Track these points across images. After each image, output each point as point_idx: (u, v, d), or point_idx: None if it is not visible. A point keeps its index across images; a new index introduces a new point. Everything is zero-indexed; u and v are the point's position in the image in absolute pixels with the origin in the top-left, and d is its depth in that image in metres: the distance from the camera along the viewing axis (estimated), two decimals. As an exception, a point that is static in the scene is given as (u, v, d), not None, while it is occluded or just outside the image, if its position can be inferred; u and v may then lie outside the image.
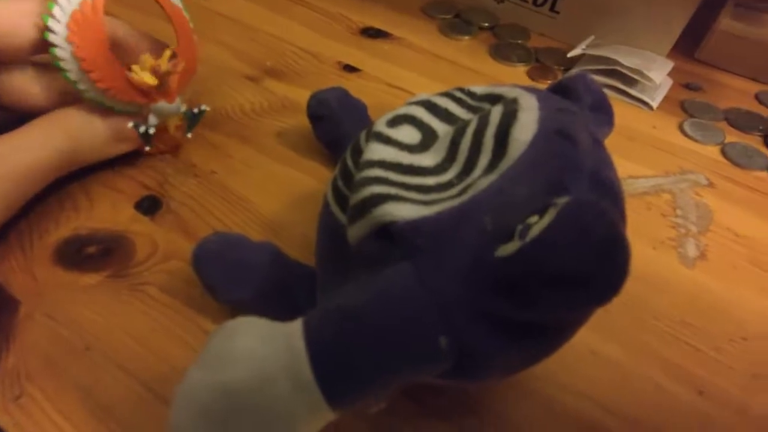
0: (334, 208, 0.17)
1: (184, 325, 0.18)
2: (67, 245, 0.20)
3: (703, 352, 0.19)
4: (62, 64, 0.19)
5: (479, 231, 0.12)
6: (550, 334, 0.12)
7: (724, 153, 0.29)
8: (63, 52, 0.19)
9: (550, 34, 0.37)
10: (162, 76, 0.21)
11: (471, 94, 0.18)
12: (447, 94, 0.18)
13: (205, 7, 0.36)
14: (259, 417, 0.11)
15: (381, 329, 0.11)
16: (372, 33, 0.36)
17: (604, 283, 0.10)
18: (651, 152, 0.28)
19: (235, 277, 0.17)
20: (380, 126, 0.16)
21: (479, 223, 0.12)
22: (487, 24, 0.37)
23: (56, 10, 0.19)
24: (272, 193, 0.24)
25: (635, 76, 0.31)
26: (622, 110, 0.31)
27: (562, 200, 0.11)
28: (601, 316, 0.19)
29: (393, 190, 0.13)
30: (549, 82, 0.33)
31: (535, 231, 0.10)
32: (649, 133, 0.30)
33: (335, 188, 0.17)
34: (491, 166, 0.13)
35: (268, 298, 0.17)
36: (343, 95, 0.24)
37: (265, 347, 0.12)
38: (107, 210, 0.22)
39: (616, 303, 0.20)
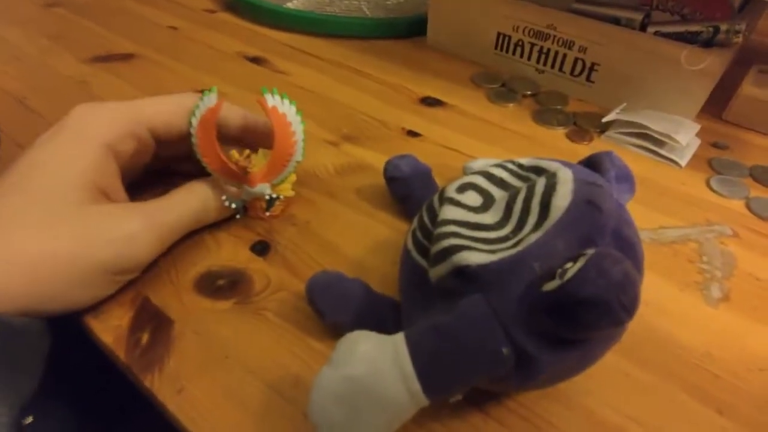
0: (415, 255, 0.22)
1: (295, 342, 0.24)
2: (203, 278, 0.26)
3: (723, 378, 0.23)
4: (195, 149, 0.27)
5: (530, 272, 0.17)
6: (583, 350, 0.17)
7: (748, 206, 0.32)
8: (194, 140, 0.27)
9: (586, 100, 0.42)
10: (242, 169, 0.27)
11: (520, 166, 0.23)
12: (500, 165, 0.23)
13: (288, 81, 0.44)
14: (375, 400, 0.16)
15: (461, 341, 0.16)
16: (429, 102, 0.42)
17: (619, 309, 0.15)
18: (679, 205, 0.32)
19: (339, 305, 0.22)
20: (451, 192, 0.22)
21: (530, 267, 0.17)
22: (529, 92, 0.43)
23: (196, 112, 0.27)
24: (355, 240, 0.29)
25: (664, 139, 0.35)
26: (653, 167, 0.35)
27: (590, 251, 0.16)
28: (632, 344, 0.23)
29: (465, 242, 0.18)
30: (585, 142, 0.38)
31: (570, 273, 0.15)
32: (677, 188, 0.34)
33: (415, 239, 0.22)
34: (537, 225, 0.18)
35: (363, 323, 0.22)
36: (413, 161, 0.30)
37: (378, 350, 0.17)
38: (230, 251, 0.28)
39: (647, 334, 0.24)
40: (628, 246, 0.18)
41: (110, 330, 0.24)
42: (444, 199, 0.21)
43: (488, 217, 0.20)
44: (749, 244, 0.30)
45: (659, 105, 0.39)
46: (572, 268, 0.15)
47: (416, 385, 0.16)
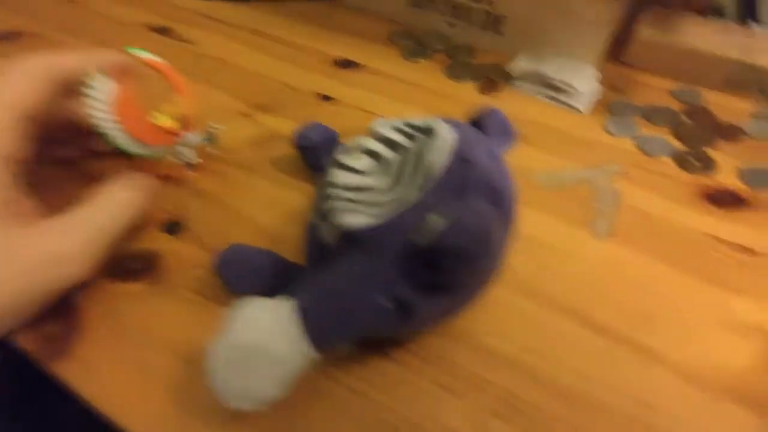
0: (315, 221, 0.23)
1: (211, 315, 0.24)
2: (114, 263, 0.26)
3: (604, 301, 0.25)
4: (110, 135, 0.24)
5: (408, 229, 0.18)
6: (456, 292, 0.19)
7: (637, 145, 0.35)
8: (108, 123, 0.24)
9: (496, 51, 0.43)
10: (182, 118, 0.27)
11: (412, 126, 0.24)
12: (395, 127, 0.24)
13: (197, 53, 0.42)
14: (266, 362, 0.17)
15: (345, 298, 0.18)
16: (343, 63, 0.42)
17: (472, 255, 0.16)
18: (577, 149, 0.34)
19: (249, 278, 0.23)
20: (341, 156, 0.22)
21: (408, 225, 0.18)
22: (441, 47, 0.43)
23: (92, 102, 0.24)
24: (271, 211, 0.30)
25: (564, 87, 0.37)
26: (555, 115, 0.37)
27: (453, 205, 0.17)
28: (527, 281, 0.25)
29: (351, 206, 0.19)
30: (495, 94, 0.39)
31: (432, 224, 0.17)
32: (578, 133, 0.36)
33: (315, 205, 0.23)
34: (419, 186, 0.19)
35: (272, 292, 0.23)
36: (320, 129, 0.30)
37: (266, 314, 0.18)
38: (143, 233, 0.28)
39: (540, 271, 0.27)
40: (498, 195, 0.20)
41: (20, 324, 0.24)
42: (334, 164, 0.22)
43: (378, 180, 0.21)
44: (637, 180, 0.32)
45: (563, 52, 0.40)
46: (435, 221, 0.17)
47: (304, 343, 0.17)
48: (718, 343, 0.24)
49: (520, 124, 0.37)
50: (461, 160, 0.20)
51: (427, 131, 0.23)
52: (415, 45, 0.44)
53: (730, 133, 0.35)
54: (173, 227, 0.28)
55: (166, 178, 0.30)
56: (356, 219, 0.18)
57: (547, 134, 0.35)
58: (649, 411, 0.22)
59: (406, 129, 0.24)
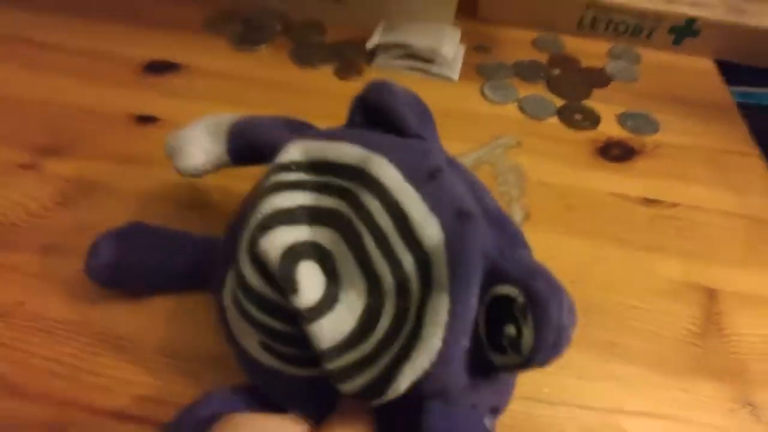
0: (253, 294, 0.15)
1: None
2: None
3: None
4: None
5: (463, 355, 0.13)
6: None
7: (521, 108, 0.32)
8: None
9: (342, 24, 0.37)
10: None
11: (300, 166, 0.15)
12: (279, 186, 0.15)
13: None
14: None
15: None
16: (158, 67, 0.32)
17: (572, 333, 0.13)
18: (464, 126, 0.30)
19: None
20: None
21: (462, 350, 0.13)
22: (279, 26, 0.36)
23: None
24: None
25: (431, 55, 0.32)
26: (428, 89, 0.32)
27: (513, 293, 0.13)
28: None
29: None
30: (356, 77, 0.33)
31: (528, 343, 0.12)
32: (457, 106, 0.32)
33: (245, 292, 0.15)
34: (427, 282, 0.13)
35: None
36: (115, 242, 0.19)
37: None
38: None
39: None
40: (502, 221, 0.15)
41: None
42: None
43: (352, 305, 0.14)
44: (531, 149, 0.29)
45: (417, 13, 0.35)
46: (526, 336, 0.12)
47: None
48: (664, 315, 0.23)
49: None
50: (459, 217, 0.13)
51: (344, 173, 0.15)
52: (244, 29, 0.36)
53: (598, 79, 0.34)
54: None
55: None
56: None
57: (428, 115, 0.31)
58: None
59: (301, 177, 0.15)
